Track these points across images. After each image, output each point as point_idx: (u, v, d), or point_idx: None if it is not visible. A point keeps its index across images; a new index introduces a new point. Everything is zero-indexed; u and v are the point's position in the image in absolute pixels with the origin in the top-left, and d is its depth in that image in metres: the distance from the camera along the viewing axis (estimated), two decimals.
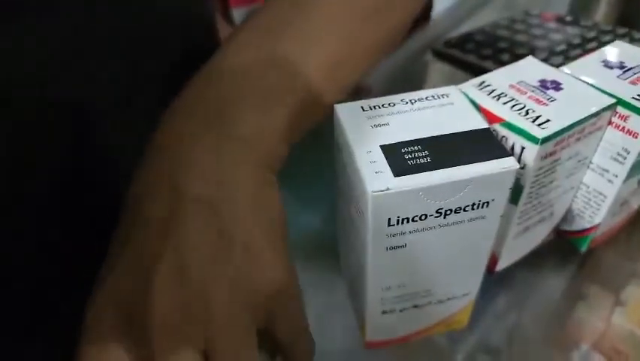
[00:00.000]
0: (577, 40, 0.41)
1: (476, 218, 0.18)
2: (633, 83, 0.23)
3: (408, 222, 0.17)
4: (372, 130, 0.19)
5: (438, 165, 0.17)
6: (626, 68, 0.24)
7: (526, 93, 0.22)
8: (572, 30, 0.43)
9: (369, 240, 0.18)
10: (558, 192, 0.24)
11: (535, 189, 0.22)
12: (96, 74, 0.21)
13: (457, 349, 0.25)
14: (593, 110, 0.21)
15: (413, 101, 0.21)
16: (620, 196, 0.25)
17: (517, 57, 0.40)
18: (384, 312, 0.22)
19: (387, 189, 0.16)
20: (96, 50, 0.21)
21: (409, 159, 0.17)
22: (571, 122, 0.20)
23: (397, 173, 0.17)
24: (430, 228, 0.18)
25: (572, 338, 0.35)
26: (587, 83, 0.23)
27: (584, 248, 0.28)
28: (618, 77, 0.23)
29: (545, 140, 0.20)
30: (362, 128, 0.19)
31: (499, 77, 0.23)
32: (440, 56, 0.44)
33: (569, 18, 0.46)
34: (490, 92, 0.22)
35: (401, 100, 0.21)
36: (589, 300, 0.38)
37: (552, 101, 0.22)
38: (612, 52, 0.25)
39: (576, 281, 0.30)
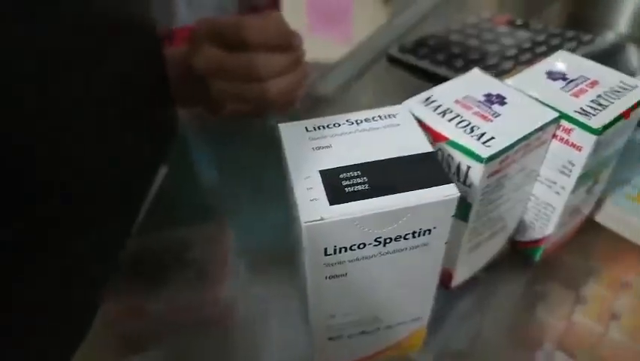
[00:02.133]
0: (527, 44, 0.42)
1: (419, 246, 0.18)
2: (575, 95, 0.23)
3: (346, 251, 0.17)
4: (313, 153, 0.18)
5: (375, 193, 0.16)
6: (568, 80, 0.24)
7: (471, 109, 0.22)
8: (522, 34, 0.44)
9: (307, 268, 0.17)
10: (508, 206, 0.24)
11: (484, 206, 0.22)
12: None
13: (423, 357, 0.25)
14: (537, 125, 0.21)
15: (359, 121, 0.20)
16: (570, 206, 0.25)
17: (469, 62, 0.41)
18: (330, 338, 0.21)
19: (322, 219, 0.16)
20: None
21: (347, 185, 0.17)
22: (515, 139, 0.20)
23: (333, 201, 0.16)
24: (371, 256, 0.17)
25: (535, 339, 0.36)
26: (531, 97, 0.23)
27: (537, 258, 0.28)
28: (561, 89, 0.23)
29: (490, 158, 0.20)
30: (303, 150, 0.18)
31: (446, 92, 0.23)
32: (395, 61, 0.44)
33: (519, 21, 0.46)
34: (436, 109, 0.22)
35: (347, 120, 0.20)
36: (549, 300, 0.38)
37: (497, 116, 0.21)
38: (555, 63, 0.25)
39: (536, 281, 0.31)
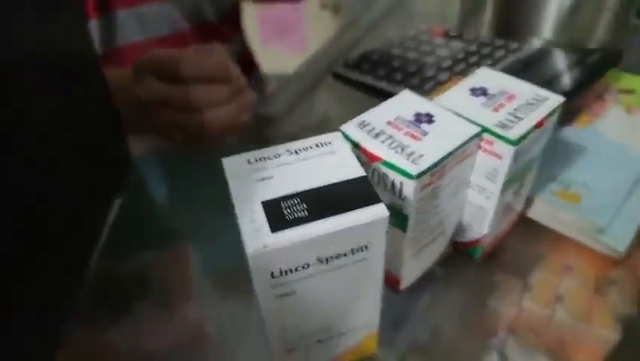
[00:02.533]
0: (461, 55, 0.45)
1: (359, 260, 0.20)
2: (496, 110, 0.25)
3: (291, 272, 0.19)
4: (255, 185, 0.20)
5: (314, 218, 0.18)
6: (489, 96, 0.26)
7: (402, 129, 0.24)
8: (456, 45, 0.47)
9: (257, 290, 0.19)
10: (444, 213, 0.26)
11: (420, 216, 0.24)
12: None
13: (388, 354, 0.27)
14: (462, 141, 0.23)
15: (298, 150, 0.22)
16: (501, 208, 0.28)
17: (408, 75, 0.43)
18: (289, 350, 0.23)
19: (265, 246, 0.17)
20: None
21: (288, 213, 0.18)
22: (442, 155, 0.22)
23: (275, 229, 0.18)
24: (315, 274, 0.19)
25: (489, 327, 0.38)
26: (457, 114, 0.25)
27: (478, 256, 0.30)
28: (483, 104, 0.26)
29: (420, 175, 0.22)
30: (246, 182, 0.20)
31: (378, 115, 0.25)
32: (339, 78, 0.46)
33: (453, 32, 0.49)
34: (370, 131, 0.24)
35: (287, 150, 0.22)
36: (499, 290, 0.41)
37: (425, 135, 0.24)
38: (477, 80, 0.28)
39: (485, 274, 0.33)
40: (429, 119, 0.25)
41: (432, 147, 0.23)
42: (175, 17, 0.57)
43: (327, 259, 0.19)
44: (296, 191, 0.19)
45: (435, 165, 0.22)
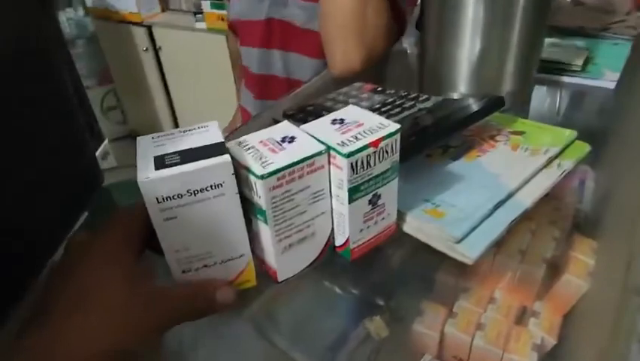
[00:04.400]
0: (377, 105, 0.52)
1: (218, 195, 0.28)
2: (343, 133, 0.32)
3: (170, 199, 0.27)
4: (152, 149, 0.29)
5: (183, 163, 0.27)
6: (344, 124, 0.33)
7: (267, 146, 0.31)
8: (377, 97, 0.55)
9: (150, 213, 0.28)
10: (309, 215, 0.32)
11: (280, 213, 0.30)
12: None
13: None
14: (305, 155, 0.30)
15: (186, 131, 0.31)
16: (358, 214, 0.34)
17: None
18: (183, 271, 0.31)
19: (148, 178, 0.27)
20: None
21: (168, 161, 0.28)
22: (286, 163, 0.29)
23: (157, 168, 0.27)
24: (188, 203, 0.28)
25: (417, 349, 0.43)
26: (313, 137, 0.32)
27: (348, 258, 0.36)
28: (335, 130, 0.33)
29: (265, 176, 0.28)
30: (147, 149, 0.29)
31: (256, 136, 0.33)
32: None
33: (380, 88, 0.58)
34: (244, 147, 0.31)
35: (179, 131, 0.31)
36: (425, 315, 0.46)
37: (282, 150, 0.31)
38: (341, 113, 0.35)
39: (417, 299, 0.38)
40: (292, 140, 0.32)
41: (281, 158, 0.30)
42: None
43: (194, 192, 0.28)
44: (176, 150, 0.29)
45: (279, 170, 0.29)
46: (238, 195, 0.29)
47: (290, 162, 0.30)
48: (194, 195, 0.28)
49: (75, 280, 0.28)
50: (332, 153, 0.31)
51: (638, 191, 0.49)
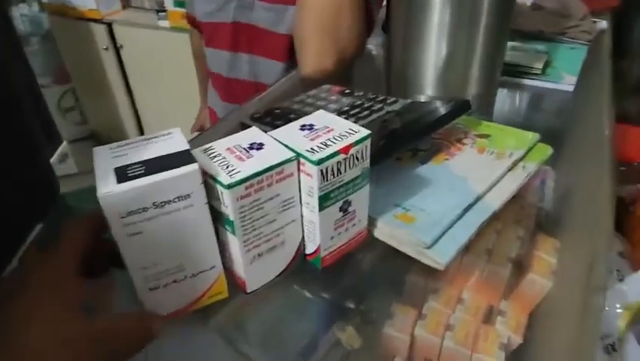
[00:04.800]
0: (346, 108, 0.52)
1: (187, 206, 0.27)
2: (312, 139, 0.32)
3: (134, 213, 0.25)
4: (112, 160, 0.27)
5: (147, 174, 0.26)
6: (313, 130, 0.33)
7: (234, 153, 0.30)
8: (345, 100, 0.55)
9: (112, 229, 0.25)
10: (278, 224, 0.32)
11: (248, 223, 0.30)
12: None
13: None
14: (273, 163, 0.29)
15: (149, 139, 0.29)
16: (328, 221, 0.33)
17: None
18: (150, 288, 0.29)
19: (109, 192, 0.25)
20: None
21: (130, 173, 0.26)
22: (253, 172, 0.28)
23: (119, 181, 0.25)
24: (154, 217, 0.26)
25: (387, 352, 0.42)
26: (282, 143, 0.31)
27: (319, 266, 0.35)
28: (304, 136, 0.32)
29: (233, 185, 0.27)
30: (105, 160, 0.27)
31: (223, 143, 0.31)
32: (246, 128, 0.53)
33: (348, 90, 0.57)
34: (210, 154, 0.30)
35: (142, 139, 0.29)
36: (395, 318, 0.45)
37: (249, 158, 0.30)
38: (310, 118, 0.34)
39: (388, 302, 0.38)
40: (259, 146, 0.31)
41: (249, 166, 0.29)
42: None
43: (160, 204, 0.26)
44: (140, 160, 0.27)
45: (247, 178, 0.28)
46: (208, 205, 0.28)
47: (258, 169, 0.29)
48: (161, 207, 0.26)
49: (9, 313, 0.25)
50: (301, 160, 0.31)
51: (596, 190, 0.51)
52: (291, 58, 0.83)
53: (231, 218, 0.29)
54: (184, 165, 0.26)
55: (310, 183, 0.31)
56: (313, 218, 0.32)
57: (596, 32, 0.80)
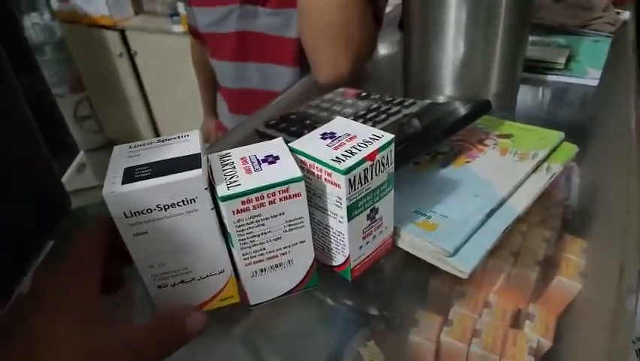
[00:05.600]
0: (362, 112, 0.51)
1: (191, 211, 0.27)
2: (336, 148, 0.31)
3: (139, 214, 0.26)
4: (126, 159, 0.28)
5: (152, 176, 0.26)
6: (335, 138, 0.32)
7: (246, 164, 0.30)
8: (361, 103, 0.54)
9: (119, 228, 0.26)
10: (284, 243, 0.30)
11: (248, 237, 0.29)
12: None
13: None
14: (277, 180, 0.28)
15: (165, 140, 0.30)
16: (357, 231, 0.32)
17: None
18: (159, 286, 0.29)
19: (113, 192, 0.25)
20: None
21: (137, 174, 0.26)
22: (252, 187, 0.27)
23: (125, 182, 0.26)
24: (159, 219, 0.27)
25: (414, 359, 0.42)
26: (305, 154, 0.30)
27: (349, 278, 0.35)
28: (327, 145, 0.31)
29: (226, 198, 0.27)
30: (121, 158, 0.28)
31: (241, 151, 0.31)
32: (261, 135, 0.53)
33: (364, 93, 0.57)
34: (224, 162, 0.30)
35: (157, 140, 0.30)
36: (420, 325, 0.45)
37: (257, 171, 0.29)
38: (330, 126, 0.34)
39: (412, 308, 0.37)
40: (274, 160, 0.30)
41: (251, 181, 0.28)
42: None
43: (164, 207, 0.26)
44: (149, 162, 0.27)
45: (243, 193, 0.27)
46: (214, 211, 0.28)
47: (257, 186, 0.28)
48: (165, 210, 0.26)
49: (24, 332, 0.24)
50: (327, 170, 0.30)
51: (624, 187, 0.49)
52: (301, 61, 0.82)
53: (228, 230, 0.28)
54: (189, 169, 0.26)
55: (338, 193, 0.30)
56: (342, 229, 0.32)
57: (619, 23, 0.78)
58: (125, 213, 0.26)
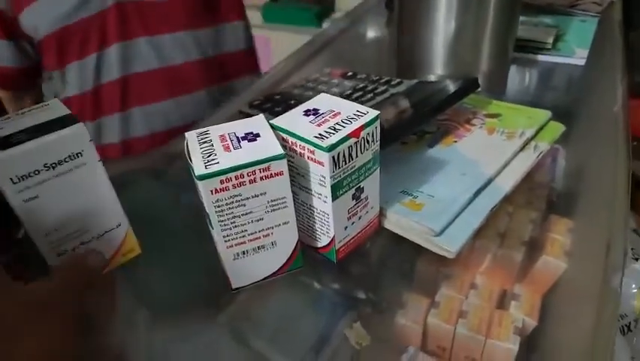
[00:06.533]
0: (349, 91, 0.50)
1: (79, 165, 0.27)
2: (319, 125, 0.30)
3: (27, 177, 0.26)
4: None
5: (32, 139, 0.26)
6: (318, 115, 0.31)
7: (225, 142, 0.28)
8: (348, 83, 0.53)
9: (7, 196, 0.26)
10: (266, 224, 0.30)
11: (228, 218, 0.28)
12: None
13: None
14: (257, 158, 0.27)
15: (24, 112, 0.29)
16: (342, 211, 0.31)
17: None
18: (59, 254, 0.29)
19: None
20: None
21: (14, 140, 0.26)
22: (231, 165, 0.26)
23: (4, 148, 0.25)
24: (48, 179, 0.26)
25: (400, 342, 0.41)
26: (288, 131, 0.29)
27: (334, 259, 0.34)
28: (310, 122, 0.30)
29: (204, 177, 0.26)
30: None
31: (220, 128, 0.30)
32: (245, 116, 0.51)
33: (350, 73, 0.55)
34: (202, 139, 0.29)
35: (16, 114, 0.29)
36: (407, 307, 0.44)
37: (237, 149, 0.28)
38: (313, 103, 0.33)
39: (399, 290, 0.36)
40: (254, 137, 0.29)
41: (230, 159, 0.27)
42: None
43: (52, 165, 0.26)
44: (20, 129, 0.27)
45: (222, 172, 0.26)
46: (101, 163, 0.28)
47: (236, 164, 0.26)
48: (53, 168, 0.26)
49: None
50: (310, 147, 0.29)
51: (610, 167, 0.49)
52: (194, 19, 0.74)
53: (207, 210, 0.27)
54: (68, 126, 0.27)
55: (322, 171, 0.29)
56: (326, 209, 0.31)
57: (606, 3, 0.77)
58: (12, 180, 0.25)
